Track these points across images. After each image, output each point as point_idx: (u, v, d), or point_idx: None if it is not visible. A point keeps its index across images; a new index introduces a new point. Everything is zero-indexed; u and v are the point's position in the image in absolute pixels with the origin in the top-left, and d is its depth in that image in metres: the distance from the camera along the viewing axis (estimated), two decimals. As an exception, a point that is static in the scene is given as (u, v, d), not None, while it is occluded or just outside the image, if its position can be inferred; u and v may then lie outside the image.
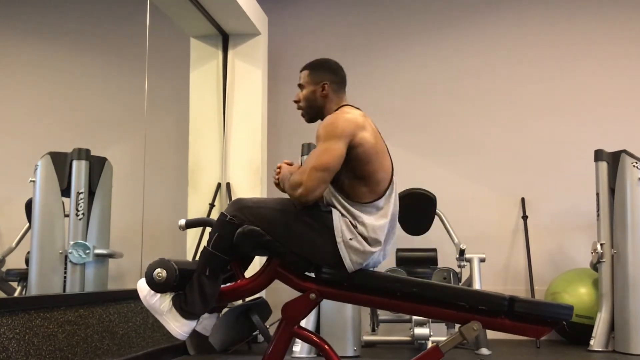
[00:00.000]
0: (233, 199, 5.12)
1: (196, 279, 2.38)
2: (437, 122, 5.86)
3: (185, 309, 2.37)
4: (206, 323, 2.50)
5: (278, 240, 2.37)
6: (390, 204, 2.47)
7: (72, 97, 5.75)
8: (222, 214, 2.43)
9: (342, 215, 2.39)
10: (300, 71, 2.63)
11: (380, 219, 2.41)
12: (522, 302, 2.27)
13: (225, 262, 2.42)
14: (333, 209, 2.41)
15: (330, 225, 2.37)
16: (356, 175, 2.40)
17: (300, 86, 2.61)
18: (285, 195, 2.50)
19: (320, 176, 2.33)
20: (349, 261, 2.35)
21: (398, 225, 4.96)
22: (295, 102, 2.63)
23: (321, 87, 2.55)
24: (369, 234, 2.37)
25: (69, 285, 4.03)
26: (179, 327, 2.37)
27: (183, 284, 2.39)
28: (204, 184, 5.25)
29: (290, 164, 2.57)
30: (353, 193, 2.41)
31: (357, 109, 2.55)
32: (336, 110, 2.52)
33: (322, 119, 2.56)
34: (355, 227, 2.37)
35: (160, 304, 2.39)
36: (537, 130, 5.69)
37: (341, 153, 2.35)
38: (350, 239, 2.35)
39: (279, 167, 2.55)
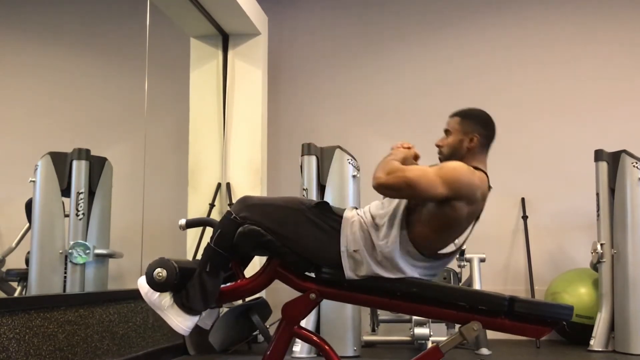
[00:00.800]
0: (233, 199, 5.14)
1: (197, 275, 2.38)
2: (437, 122, 5.82)
3: (186, 305, 2.38)
4: (207, 318, 2.51)
5: (283, 238, 2.35)
6: (438, 267, 2.42)
7: (72, 97, 5.75)
8: (228, 212, 2.42)
9: (361, 230, 2.33)
10: (450, 117, 2.56)
11: (416, 262, 2.34)
12: (522, 302, 2.27)
13: (226, 260, 2.42)
14: (348, 219, 2.36)
15: (337, 228, 2.36)
16: (433, 221, 2.30)
17: (447, 132, 2.53)
18: (286, 195, 2.50)
19: (402, 186, 2.27)
20: (349, 271, 2.34)
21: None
22: (438, 146, 2.54)
23: (469, 139, 2.48)
24: (386, 262, 2.32)
25: (69, 285, 4.03)
26: (181, 322, 2.37)
27: (183, 283, 2.39)
28: (204, 184, 5.25)
29: (409, 148, 2.52)
30: (415, 232, 2.32)
31: (489, 183, 2.46)
32: (475, 167, 2.41)
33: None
34: (373, 249, 2.32)
35: (161, 300, 2.39)
36: (537, 130, 5.69)
37: (438, 193, 2.25)
38: (355, 251, 2.33)
39: (408, 146, 2.50)
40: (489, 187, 2.45)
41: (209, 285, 2.38)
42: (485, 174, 2.45)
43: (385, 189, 2.30)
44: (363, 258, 2.32)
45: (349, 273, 2.34)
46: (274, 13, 5.77)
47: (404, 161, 2.43)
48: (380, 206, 2.43)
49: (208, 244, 2.43)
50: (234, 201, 5.14)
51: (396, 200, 2.39)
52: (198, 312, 2.40)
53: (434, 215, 2.31)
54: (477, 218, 2.45)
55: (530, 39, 5.80)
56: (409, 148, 2.52)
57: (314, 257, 2.39)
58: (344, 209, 2.47)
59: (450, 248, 2.41)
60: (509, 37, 5.84)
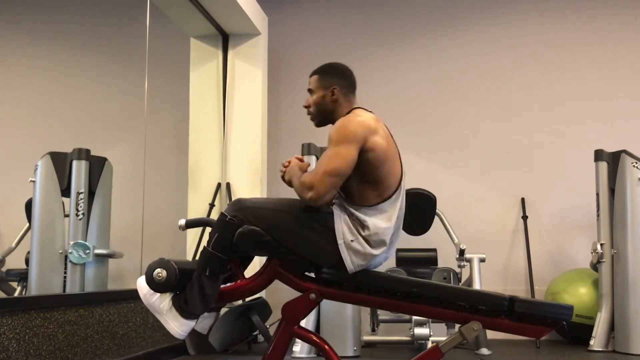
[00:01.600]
0: (233, 199, 5.13)
1: (196, 278, 2.38)
2: (437, 122, 5.85)
3: (185, 309, 2.37)
4: (205, 322, 2.50)
5: (278, 241, 2.37)
6: (397, 208, 2.45)
7: (72, 97, 5.75)
8: (222, 214, 2.42)
9: (345, 217, 2.38)
10: (310, 76, 2.62)
11: (385, 221, 2.40)
12: (522, 302, 2.27)
13: (224, 263, 2.42)
14: (335, 211, 2.40)
15: (331, 226, 2.37)
16: (365, 179, 2.39)
17: (310, 91, 2.60)
18: (286, 195, 2.50)
19: (332, 181, 2.32)
20: (350, 263, 2.35)
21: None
22: (305, 107, 2.61)
23: (331, 92, 2.54)
24: (372, 236, 2.36)
25: (69, 285, 4.03)
26: (178, 326, 2.37)
27: (183, 284, 2.39)
28: (204, 184, 5.25)
29: (301, 160, 2.56)
30: (360, 196, 2.40)
31: (369, 111, 2.54)
32: (347, 113, 2.50)
33: (332, 124, 2.54)
34: (357, 229, 2.36)
35: (160, 303, 2.39)
36: (537, 130, 5.69)
37: (353, 157, 2.34)
38: (352, 241, 2.35)
39: (289, 161, 2.54)
40: (371, 112, 2.54)
41: (208, 289, 2.38)
42: (361, 108, 2.56)
43: (323, 196, 2.33)
44: (360, 244, 2.35)
45: (350, 266, 2.35)
46: (274, 13, 5.78)
47: (303, 170, 2.50)
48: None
49: (205, 247, 2.42)
50: (232, 203, 5.15)
51: None
52: (196, 315, 2.41)
53: (361, 172, 2.38)
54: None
55: (530, 39, 5.81)
56: (299, 158, 2.57)
57: (313, 257, 2.40)
58: (333, 204, 2.49)
59: (394, 186, 2.45)
60: (509, 37, 5.84)
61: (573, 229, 5.52)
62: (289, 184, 2.49)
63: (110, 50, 5.85)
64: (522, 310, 2.26)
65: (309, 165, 2.55)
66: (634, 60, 5.68)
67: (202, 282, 2.37)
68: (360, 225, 2.36)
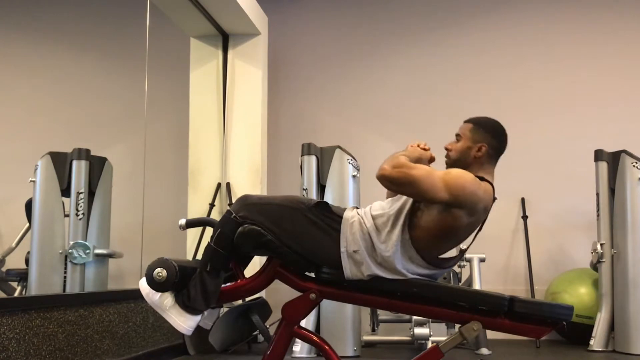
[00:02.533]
0: (233, 199, 5.14)
1: (198, 274, 2.39)
2: (437, 122, 5.84)
3: (188, 305, 2.38)
4: (207, 318, 2.51)
5: (283, 237, 2.35)
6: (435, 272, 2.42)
7: (72, 97, 5.75)
8: (227, 211, 2.43)
9: (362, 233, 2.33)
10: (465, 122, 2.57)
11: (417, 268, 2.35)
12: (522, 302, 2.27)
13: (226, 259, 2.42)
14: (349, 219, 2.36)
15: (337, 229, 2.36)
16: (436, 229, 2.31)
17: (458, 136, 2.54)
18: (289, 194, 2.50)
19: (404, 182, 2.27)
20: (349, 272, 2.34)
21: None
22: (447, 149, 2.55)
23: (478, 148, 2.48)
24: (386, 264, 2.32)
25: (69, 285, 4.03)
26: (183, 321, 2.38)
27: (184, 282, 2.39)
28: (204, 184, 5.25)
29: (426, 149, 2.54)
30: (415, 232, 2.33)
31: (493, 189, 2.47)
32: (479, 177, 2.42)
33: None
34: (371, 250, 2.32)
35: (163, 300, 2.39)
36: (537, 130, 5.69)
37: (439, 197, 2.26)
38: (354, 252, 2.33)
39: (419, 146, 2.51)
40: (494, 199, 2.48)
41: (210, 285, 2.38)
42: (492, 185, 2.47)
43: (387, 181, 2.30)
44: (363, 259, 2.32)
45: (348, 274, 2.34)
46: (274, 13, 5.77)
47: (418, 161, 2.43)
48: (381, 207, 2.43)
49: (208, 243, 2.43)
50: (234, 201, 5.15)
51: (399, 203, 2.39)
52: (200, 311, 2.41)
53: (434, 221, 2.32)
54: (480, 228, 2.48)
55: (530, 39, 5.80)
56: (425, 149, 2.54)
57: (314, 257, 2.39)
58: (344, 209, 2.47)
59: (451, 253, 2.44)
60: (509, 37, 5.84)
61: (573, 229, 5.52)
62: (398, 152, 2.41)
63: (110, 50, 5.84)
64: (522, 310, 2.26)
65: (431, 161, 2.54)
66: (634, 60, 5.67)
67: (203, 277, 2.38)
68: (382, 255, 2.31)
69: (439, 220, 2.31)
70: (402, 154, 2.40)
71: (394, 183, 2.31)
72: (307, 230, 2.37)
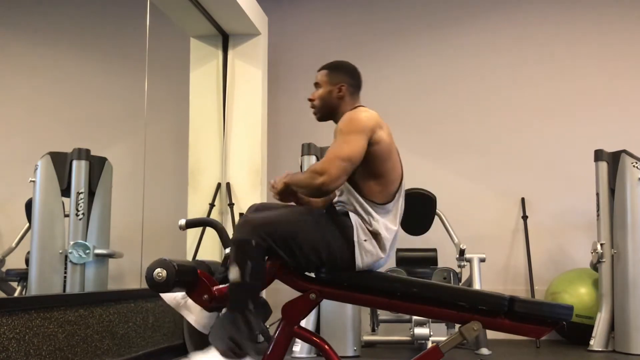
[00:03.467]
0: (233, 198, 5.14)
1: (241, 318, 2.24)
2: (437, 122, 5.85)
3: (239, 353, 2.24)
4: (206, 322, 2.50)
5: (301, 254, 2.33)
6: (398, 208, 2.50)
7: (72, 97, 5.75)
8: (243, 241, 2.28)
9: (358, 213, 2.41)
10: (318, 70, 2.66)
11: (391, 223, 2.45)
12: (522, 302, 2.27)
13: (261, 288, 2.34)
14: (350, 211, 2.43)
15: (348, 225, 2.38)
16: (371, 173, 2.42)
17: (317, 85, 2.63)
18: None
19: (343, 166, 2.33)
20: (360, 261, 2.38)
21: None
22: (310, 100, 2.64)
23: (338, 89, 2.58)
24: (381, 238, 2.40)
25: (69, 285, 4.03)
26: None
27: (184, 281, 2.39)
28: (204, 184, 5.25)
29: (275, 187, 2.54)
30: (367, 191, 2.43)
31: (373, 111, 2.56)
32: (351, 110, 2.54)
33: (334, 120, 2.60)
34: (369, 226, 2.39)
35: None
36: (537, 130, 5.69)
37: (363, 146, 2.37)
38: (365, 240, 2.38)
39: (275, 181, 2.51)
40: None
41: (256, 325, 2.27)
42: (363, 106, 2.60)
43: (335, 181, 2.32)
44: (372, 245, 2.39)
45: (360, 264, 2.38)
46: (274, 13, 5.77)
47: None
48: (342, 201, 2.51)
49: (238, 283, 2.26)
50: (233, 200, 5.15)
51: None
52: (248, 354, 2.27)
53: (368, 166, 2.41)
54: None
55: (530, 40, 5.80)
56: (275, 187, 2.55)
57: (329, 260, 2.38)
58: (337, 203, 2.54)
59: (396, 183, 2.49)
60: (509, 37, 5.84)
61: (573, 229, 5.52)
62: (286, 192, 2.46)
63: (110, 50, 5.85)
64: (522, 310, 2.26)
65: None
66: (634, 60, 5.68)
67: (248, 320, 2.25)
68: (371, 221, 2.40)
69: (370, 160, 2.40)
70: (300, 174, 2.46)
71: (339, 178, 2.33)
72: (320, 239, 2.36)
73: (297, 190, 2.47)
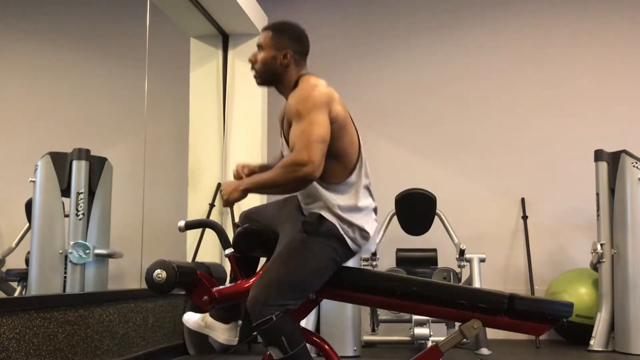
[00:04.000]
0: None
1: None
2: (437, 122, 5.85)
3: None
4: (229, 335, 2.50)
5: (310, 283, 2.27)
6: (362, 178, 2.33)
7: (72, 97, 5.76)
8: (264, 322, 2.15)
9: (333, 213, 2.26)
10: (262, 30, 2.44)
11: (353, 199, 2.29)
12: (522, 299, 2.27)
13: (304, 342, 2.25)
14: (321, 211, 2.27)
15: (334, 232, 2.25)
16: (330, 153, 2.21)
17: (260, 47, 2.40)
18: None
19: (322, 149, 2.15)
20: (355, 246, 2.30)
21: (395, 222, 4.94)
22: (251, 61, 2.41)
23: (283, 55, 2.35)
24: (362, 216, 2.29)
25: (69, 285, 4.03)
26: None
27: (183, 282, 2.39)
28: (204, 184, 5.25)
29: (247, 167, 2.46)
30: (328, 174, 2.24)
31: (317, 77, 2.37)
32: (297, 80, 2.36)
33: (275, 87, 2.41)
34: (350, 219, 2.27)
35: None
36: (537, 130, 5.69)
37: (328, 125, 2.19)
38: (353, 234, 2.28)
39: (225, 190, 2.27)
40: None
41: None
42: (310, 74, 2.39)
43: (319, 167, 2.14)
44: (355, 230, 2.28)
45: (357, 248, 2.31)
46: (274, 13, 5.77)
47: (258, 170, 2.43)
48: (303, 195, 2.35)
49: (287, 358, 2.16)
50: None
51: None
52: None
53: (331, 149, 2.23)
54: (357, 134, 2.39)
55: (530, 40, 5.81)
56: (240, 166, 2.48)
57: (337, 264, 2.32)
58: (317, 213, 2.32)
59: (355, 156, 2.32)
60: (509, 37, 5.84)
61: (573, 229, 5.52)
62: (241, 198, 2.25)
63: (110, 50, 5.85)
64: (522, 307, 2.26)
65: (259, 165, 2.46)
66: (634, 60, 5.67)
67: None
68: (350, 217, 2.27)
69: (329, 147, 2.20)
70: (270, 172, 2.23)
71: (321, 163, 2.15)
72: (322, 256, 2.26)
73: (267, 192, 2.33)
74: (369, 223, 2.33)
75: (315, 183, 2.24)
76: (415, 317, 4.34)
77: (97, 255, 4.13)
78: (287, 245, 2.30)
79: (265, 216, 2.56)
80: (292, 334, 2.18)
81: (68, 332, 3.13)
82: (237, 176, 2.46)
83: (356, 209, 2.30)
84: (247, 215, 2.59)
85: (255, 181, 2.25)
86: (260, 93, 5.40)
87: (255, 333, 3.86)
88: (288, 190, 2.31)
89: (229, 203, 2.27)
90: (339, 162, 2.28)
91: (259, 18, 5.37)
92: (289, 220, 2.39)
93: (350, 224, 2.28)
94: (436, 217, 5.06)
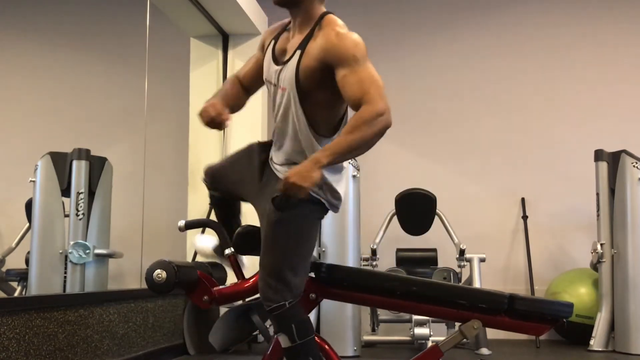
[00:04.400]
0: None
1: None
2: (437, 122, 5.85)
3: None
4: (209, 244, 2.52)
5: (307, 248, 2.23)
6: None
7: (72, 97, 5.76)
8: (277, 307, 2.12)
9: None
10: None
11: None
12: (522, 299, 2.27)
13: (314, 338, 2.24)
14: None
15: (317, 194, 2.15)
16: (332, 103, 2.19)
17: None
18: None
19: (385, 95, 2.11)
20: (331, 200, 2.21)
21: (395, 222, 4.91)
22: None
23: None
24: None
25: (69, 285, 4.03)
26: None
27: (184, 282, 2.39)
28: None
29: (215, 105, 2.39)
30: (320, 125, 2.21)
31: None
32: (321, 15, 2.29)
33: (291, 10, 2.33)
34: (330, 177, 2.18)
35: None
36: (537, 130, 5.69)
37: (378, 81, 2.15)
38: (333, 189, 2.20)
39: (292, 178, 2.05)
40: None
41: None
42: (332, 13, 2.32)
43: (390, 113, 2.08)
44: (327, 192, 2.18)
45: (331, 208, 2.24)
46: (274, 13, 5.76)
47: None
48: (291, 148, 2.30)
49: (290, 347, 2.16)
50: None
51: (290, 130, 2.33)
52: None
53: (329, 95, 2.21)
54: None
55: (530, 40, 5.80)
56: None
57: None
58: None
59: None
60: (509, 37, 5.84)
61: (573, 229, 5.52)
62: (318, 175, 2.01)
63: (110, 50, 5.85)
64: (522, 307, 2.26)
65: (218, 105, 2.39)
66: (634, 60, 5.68)
67: None
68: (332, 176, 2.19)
69: (335, 95, 2.17)
70: (347, 132, 2.07)
71: (385, 105, 2.10)
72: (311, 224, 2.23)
73: (350, 156, 2.13)
74: (341, 183, 2.24)
75: (313, 137, 2.18)
76: (415, 317, 4.34)
77: (97, 255, 4.14)
78: (270, 228, 2.17)
79: (232, 180, 2.49)
80: (302, 323, 2.17)
81: (68, 332, 3.13)
82: (212, 119, 2.37)
83: (340, 167, 2.23)
84: (212, 176, 2.51)
85: (337, 151, 2.03)
86: (260, 93, 5.37)
87: (255, 333, 3.86)
88: (372, 146, 2.08)
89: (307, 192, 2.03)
90: (335, 113, 2.23)
91: (259, 18, 5.37)
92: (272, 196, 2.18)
93: (326, 185, 2.15)
94: (436, 217, 5.06)
